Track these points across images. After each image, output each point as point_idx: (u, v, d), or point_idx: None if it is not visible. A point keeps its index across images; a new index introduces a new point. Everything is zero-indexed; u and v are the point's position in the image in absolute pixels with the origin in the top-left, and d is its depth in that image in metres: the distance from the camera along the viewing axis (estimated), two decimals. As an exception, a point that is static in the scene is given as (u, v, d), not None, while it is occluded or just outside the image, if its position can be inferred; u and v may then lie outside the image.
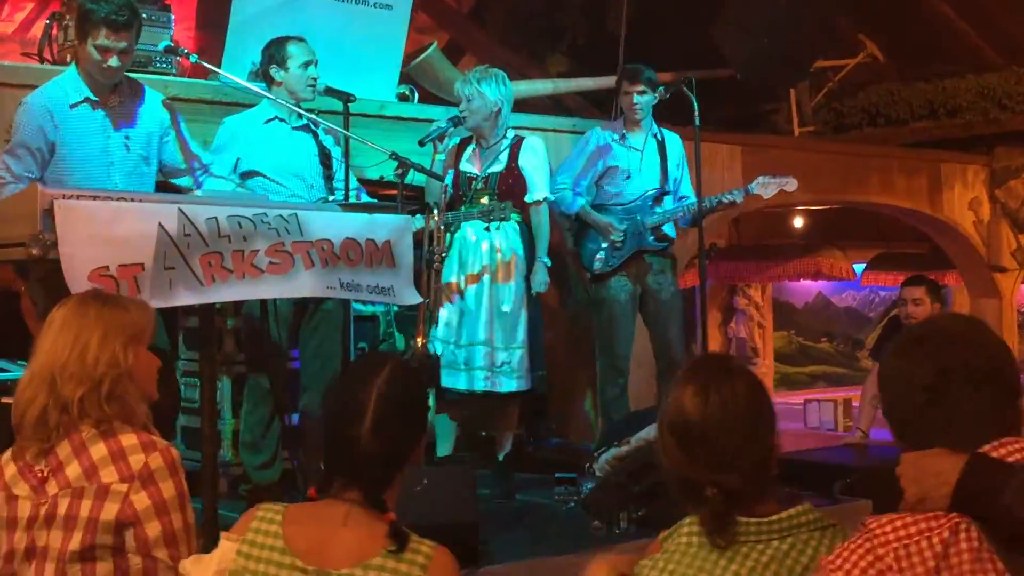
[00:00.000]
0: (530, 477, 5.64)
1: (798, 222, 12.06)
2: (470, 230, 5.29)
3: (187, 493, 2.35)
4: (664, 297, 5.92)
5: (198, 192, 4.54)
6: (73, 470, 2.30)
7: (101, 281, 3.37)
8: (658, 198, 5.93)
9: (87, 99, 4.25)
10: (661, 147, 5.95)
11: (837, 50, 9.13)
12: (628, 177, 5.92)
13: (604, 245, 5.89)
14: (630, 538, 4.34)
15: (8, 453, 2.43)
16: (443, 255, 4.77)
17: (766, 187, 5.92)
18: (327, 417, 2.21)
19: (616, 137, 5.97)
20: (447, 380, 5.20)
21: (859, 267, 12.48)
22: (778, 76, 7.82)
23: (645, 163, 5.94)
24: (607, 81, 7.61)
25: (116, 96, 4.33)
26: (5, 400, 4.66)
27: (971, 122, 9.34)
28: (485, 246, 5.28)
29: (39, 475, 2.33)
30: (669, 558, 2.06)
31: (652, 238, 5.88)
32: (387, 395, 2.15)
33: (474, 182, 5.34)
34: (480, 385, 5.20)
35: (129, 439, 2.33)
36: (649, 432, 4.80)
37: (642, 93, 5.83)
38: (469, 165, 5.39)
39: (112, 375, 2.36)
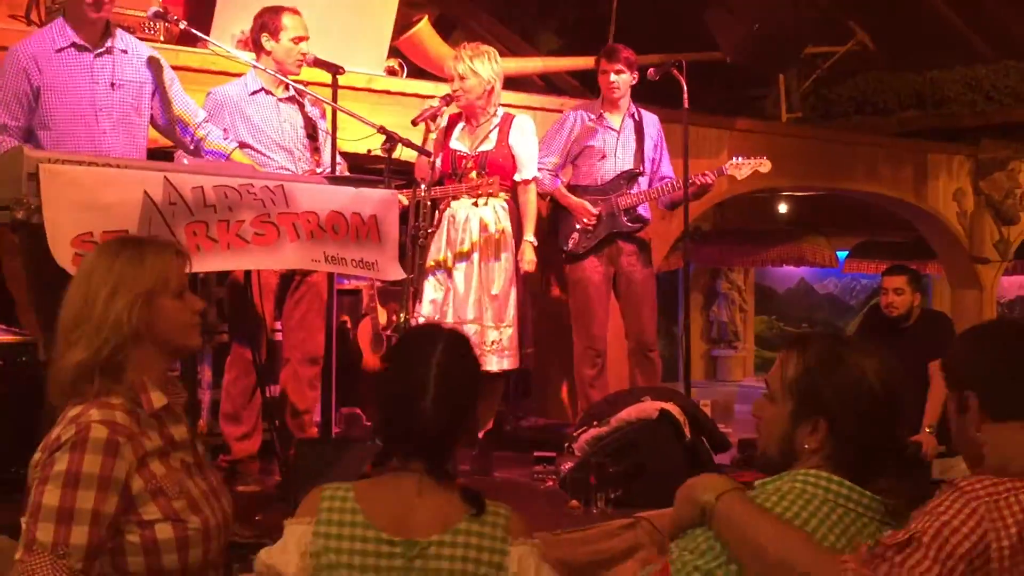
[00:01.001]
0: (509, 455, 5.65)
1: (783, 208, 12.09)
2: (458, 207, 5.27)
3: (84, 475, 2.10)
4: (637, 278, 5.93)
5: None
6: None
7: (84, 247, 3.35)
8: (633, 179, 5.93)
9: (73, 44, 4.22)
10: (638, 128, 5.94)
11: (827, 37, 9.13)
12: (603, 157, 5.92)
13: (578, 226, 5.89)
14: (607, 518, 4.36)
15: None
16: (429, 231, 4.76)
17: (740, 168, 5.95)
18: (386, 394, 2.23)
19: (593, 117, 5.96)
20: None
21: (842, 254, 12.53)
22: (768, 61, 7.80)
23: (621, 144, 5.94)
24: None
25: (104, 43, 4.28)
26: (-17, 363, 4.64)
27: (958, 113, 9.38)
28: (473, 223, 5.25)
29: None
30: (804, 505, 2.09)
31: (626, 219, 5.89)
32: (446, 367, 2.19)
33: (464, 160, 5.32)
34: None
35: (75, 409, 2.20)
36: (629, 413, 4.82)
37: (619, 72, 5.82)
38: (459, 143, 5.37)
39: (115, 341, 2.23)
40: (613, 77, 5.83)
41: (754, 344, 13.28)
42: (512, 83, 6.62)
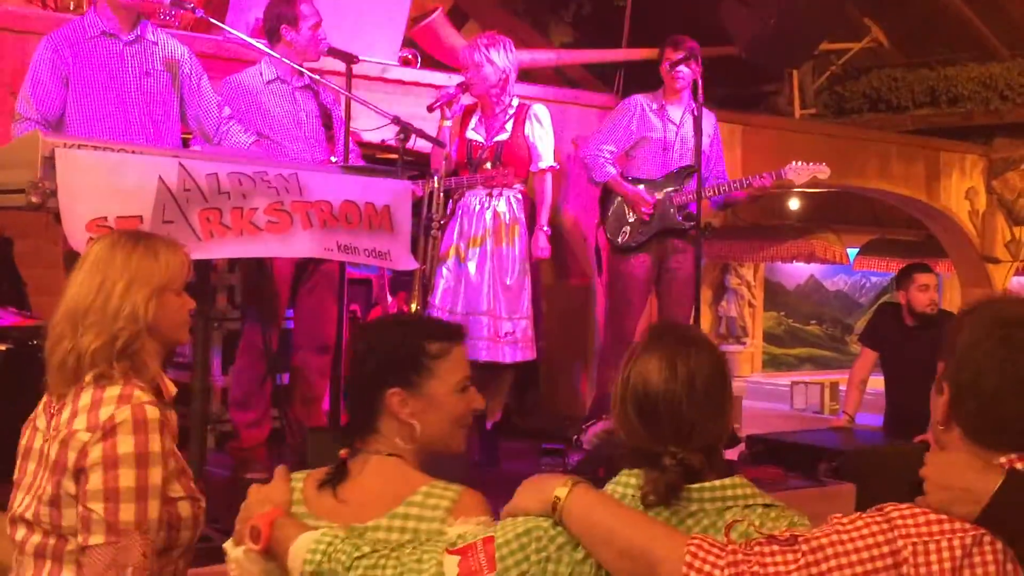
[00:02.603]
0: (517, 446, 5.65)
1: (793, 204, 12.08)
2: (473, 197, 5.27)
3: (152, 454, 2.21)
4: (681, 277, 5.86)
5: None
6: (64, 415, 2.29)
7: (99, 232, 3.35)
8: (689, 176, 5.85)
9: (104, 32, 4.28)
10: (696, 124, 5.86)
11: (842, 33, 9.11)
12: (664, 149, 5.85)
13: (631, 219, 5.84)
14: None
15: None
16: (442, 222, 4.76)
17: (799, 172, 5.84)
18: (351, 374, 2.29)
19: (655, 107, 5.90)
20: None
21: (852, 251, 12.51)
22: (783, 57, 7.79)
23: (680, 138, 5.86)
24: (612, 54, 7.58)
25: (135, 32, 4.35)
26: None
27: (971, 111, 9.34)
28: (487, 213, 5.25)
29: (51, 412, 2.32)
30: None
31: (679, 217, 5.81)
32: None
33: (480, 150, 5.32)
34: (482, 355, 5.16)
35: (113, 390, 2.26)
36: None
37: (686, 62, 5.73)
38: (475, 133, 5.37)
39: (130, 330, 2.30)
40: (682, 68, 5.75)
41: (763, 340, 13.28)
42: (525, 75, 6.61)
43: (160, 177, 3.47)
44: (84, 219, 3.35)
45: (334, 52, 4.96)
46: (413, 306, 4.73)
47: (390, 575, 1.95)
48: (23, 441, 2.38)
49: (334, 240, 3.93)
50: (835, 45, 9.21)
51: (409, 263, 4.31)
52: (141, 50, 4.35)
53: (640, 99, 5.94)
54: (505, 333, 5.19)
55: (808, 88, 9.26)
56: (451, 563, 1.91)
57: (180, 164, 3.53)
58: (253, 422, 4.91)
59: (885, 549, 1.64)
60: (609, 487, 1.99)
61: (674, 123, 5.85)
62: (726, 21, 7.52)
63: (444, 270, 5.22)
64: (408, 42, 6.54)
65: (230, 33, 4.81)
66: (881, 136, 9.00)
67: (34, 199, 3.34)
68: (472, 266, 5.24)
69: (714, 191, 5.80)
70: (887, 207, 10.01)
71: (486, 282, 5.22)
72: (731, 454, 5.23)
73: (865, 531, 1.66)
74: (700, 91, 5.59)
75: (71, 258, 4.05)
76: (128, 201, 3.42)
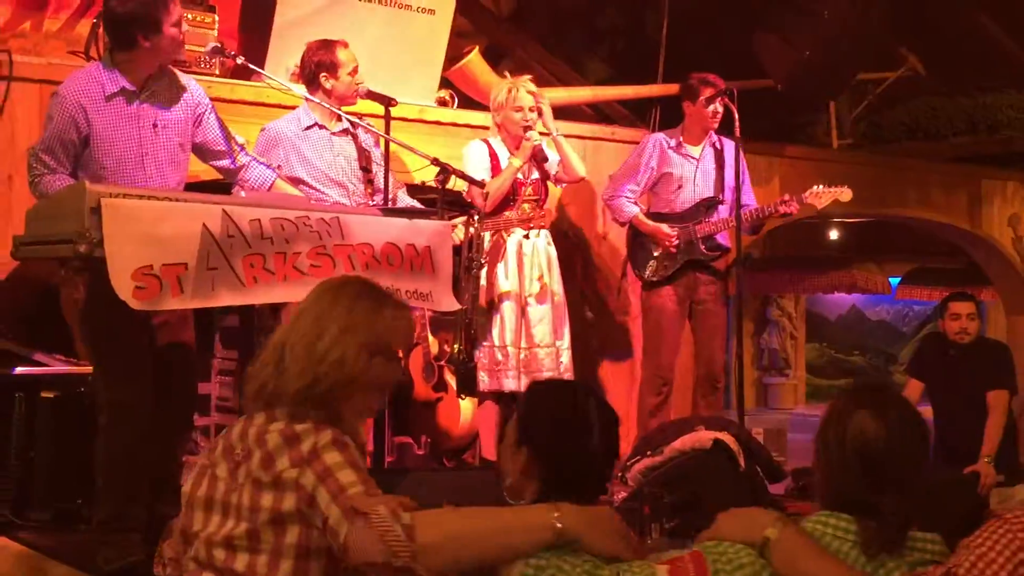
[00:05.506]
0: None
1: (834, 234, 12.02)
2: (517, 236, 5.38)
3: (361, 464, 2.19)
4: (713, 309, 5.90)
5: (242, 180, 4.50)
6: (254, 460, 2.22)
7: (144, 280, 3.41)
8: (712, 207, 5.89)
9: (123, 89, 4.06)
10: (719, 156, 5.90)
11: (879, 63, 9.08)
12: (680, 187, 5.90)
13: (656, 253, 5.87)
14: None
15: (229, 429, 2.35)
16: (482, 261, 4.79)
17: (820, 196, 5.88)
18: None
19: (672, 144, 5.95)
20: (510, 383, 5.25)
21: (894, 281, 12.41)
22: (819, 88, 7.77)
23: (700, 172, 5.91)
24: (647, 90, 7.60)
25: (151, 83, 4.14)
26: (44, 395, 4.71)
27: (1011, 138, 9.28)
28: (535, 251, 5.39)
29: (236, 459, 2.26)
30: None
31: (704, 248, 5.86)
32: None
33: (524, 187, 5.44)
34: None
35: (306, 426, 2.20)
36: (683, 443, 4.79)
37: (719, 99, 5.77)
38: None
39: (335, 377, 2.24)
40: (715, 104, 5.79)
41: (805, 372, 13.17)
42: (560, 113, 6.64)
43: (204, 224, 3.53)
44: (130, 268, 3.40)
45: (372, 95, 5.01)
46: (456, 347, 4.75)
47: (606, 574, 2.05)
48: (200, 492, 2.30)
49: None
50: (871, 75, 9.16)
51: (451, 304, 4.33)
52: (157, 100, 4.15)
53: (659, 137, 6.05)
54: (563, 366, 5.35)
55: (845, 118, 9.22)
56: (662, 571, 2.07)
57: (224, 211, 3.58)
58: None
59: (1007, 543, 1.91)
60: (809, 524, 2.15)
61: (694, 158, 5.92)
62: (761, 54, 7.52)
63: (504, 309, 5.30)
64: (444, 82, 6.59)
65: (270, 79, 4.86)
66: (921, 165, 8.95)
67: (82, 249, 3.40)
68: (532, 301, 5.36)
69: (739, 220, 5.81)
70: (928, 236, 9.93)
71: (546, 314, 5.36)
72: (777, 488, 5.18)
73: (991, 538, 1.93)
74: (736, 124, 5.62)
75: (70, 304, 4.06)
76: (173, 249, 3.48)
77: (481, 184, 5.11)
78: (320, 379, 2.24)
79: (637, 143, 6.36)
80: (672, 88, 7.32)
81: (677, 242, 5.81)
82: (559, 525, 2.04)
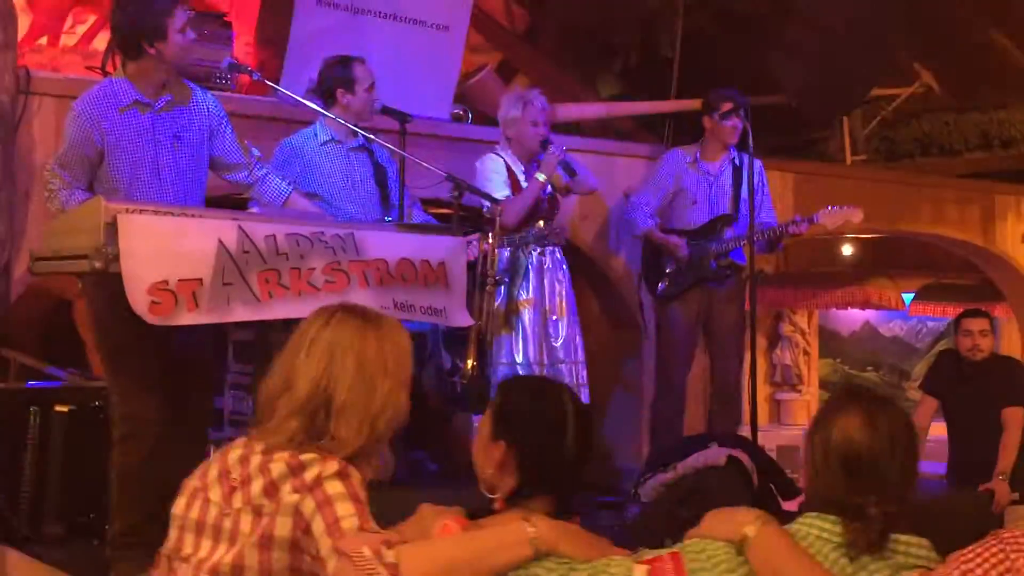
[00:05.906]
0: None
1: (847, 250, 11.97)
2: (538, 252, 5.39)
3: (364, 498, 2.21)
4: (727, 323, 5.89)
5: (257, 191, 4.48)
6: (255, 487, 2.23)
7: (160, 295, 3.42)
8: (727, 224, 5.89)
9: (137, 102, 4.07)
10: (737, 173, 5.90)
11: (892, 79, 9.08)
12: (694, 203, 5.90)
13: (669, 269, 5.87)
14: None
15: (223, 452, 2.36)
16: (497, 278, 4.80)
17: (833, 217, 5.86)
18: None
19: (689, 160, 5.96)
20: None
21: (908, 296, 12.37)
22: (833, 104, 7.78)
23: (716, 189, 5.92)
24: (662, 105, 7.61)
25: (165, 97, 4.14)
26: (58, 409, 4.72)
27: (1025, 154, 9.28)
28: (552, 267, 5.42)
29: (232, 483, 2.27)
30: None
31: (716, 264, 5.85)
32: None
33: (543, 201, 5.45)
34: None
35: (309, 455, 2.23)
36: (696, 459, 4.78)
37: (735, 114, 5.77)
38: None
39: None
40: (730, 119, 5.80)
41: (818, 387, 13.12)
42: (572, 128, 6.66)
43: (220, 240, 3.54)
44: (146, 283, 3.41)
45: (388, 111, 5.03)
46: (469, 363, 4.75)
47: (583, 573, 2.09)
48: (192, 514, 2.32)
49: (391, 298, 3.97)
50: (885, 91, 9.17)
51: (465, 320, 4.33)
52: (171, 115, 4.15)
53: (678, 152, 6.04)
54: (580, 380, 5.35)
55: (859, 134, 9.22)
56: (640, 571, 2.09)
57: (239, 227, 3.59)
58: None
59: (996, 561, 1.89)
60: (795, 526, 2.18)
61: (712, 174, 5.91)
62: (775, 70, 7.53)
63: (524, 324, 5.31)
64: (459, 98, 6.61)
65: (287, 95, 4.87)
66: (935, 180, 8.94)
67: (98, 264, 3.41)
68: (553, 318, 5.39)
69: (757, 235, 5.80)
70: (942, 251, 9.90)
71: (564, 331, 5.39)
72: (791, 505, 5.16)
73: (982, 554, 1.92)
74: (751, 140, 5.62)
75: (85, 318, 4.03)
76: (189, 264, 3.49)
77: (495, 200, 5.11)
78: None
79: (651, 158, 6.37)
80: (687, 103, 7.33)
81: (686, 252, 5.80)
82: (535, 537, 2.10)
